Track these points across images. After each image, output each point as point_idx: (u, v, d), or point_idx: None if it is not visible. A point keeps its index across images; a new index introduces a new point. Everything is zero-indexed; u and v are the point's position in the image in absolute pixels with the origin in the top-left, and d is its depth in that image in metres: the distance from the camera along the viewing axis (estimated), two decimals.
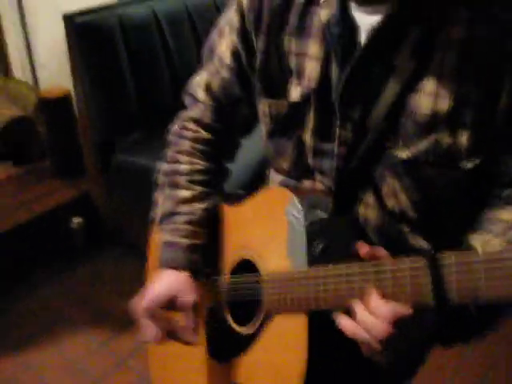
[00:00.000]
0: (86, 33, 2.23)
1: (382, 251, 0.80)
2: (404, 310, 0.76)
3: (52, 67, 2.97)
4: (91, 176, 2.58)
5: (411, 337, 0.81)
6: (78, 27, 2.20)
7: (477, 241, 0.90)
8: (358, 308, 0.80)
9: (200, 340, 1.10)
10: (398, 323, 0.76)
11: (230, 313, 1.08)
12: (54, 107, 2.58)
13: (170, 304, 1.05)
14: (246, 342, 1.01)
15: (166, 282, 1.07)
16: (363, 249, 0.80)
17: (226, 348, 1.07)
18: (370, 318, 0.78)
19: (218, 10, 2.69)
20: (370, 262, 0.80)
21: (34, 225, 2.51)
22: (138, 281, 2.52)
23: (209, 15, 2.63)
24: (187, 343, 1.06)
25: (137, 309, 1.06)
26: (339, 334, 0.83)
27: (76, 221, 2.58)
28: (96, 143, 2.43)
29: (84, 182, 2.66)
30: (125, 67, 2.34)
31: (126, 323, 2.16)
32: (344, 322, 0.82)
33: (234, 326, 1.06)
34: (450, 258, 0.71)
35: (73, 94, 2.49)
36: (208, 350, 1.12)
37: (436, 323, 0.81)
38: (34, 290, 2.43)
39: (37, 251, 2.52)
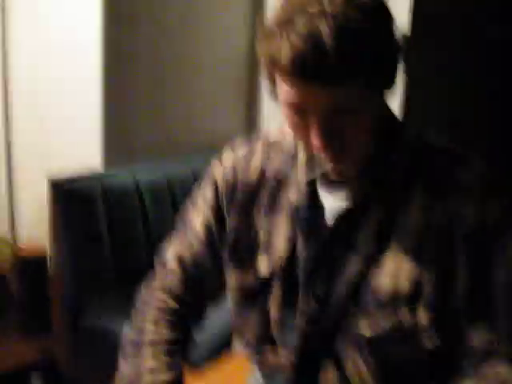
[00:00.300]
0: (69, 199, 2.33)
1: None
2: None
3: (32, 223, 3.04)
4: (57, 336, 2.56)
5: None
6: (61, 193, 2.31)
7: None
8: None
9: None
10: None
11: None
12: (29, 266, 2.62)
13: None
14: None
15: None
16: None
17: None
18: None
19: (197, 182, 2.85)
20: None
21: None
22: None
23: (188, 186, 2.79)
24: None
25: None
26: None
27: (36, 381, 2.51)
28: (66, 303, 2.44)
29: (49, 341, 2.62)
30: (104, 233, 2.42)
31: None
32: None
33: None
34: None
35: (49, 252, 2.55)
36: None
37: None
38: None
39: None
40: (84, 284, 2.42)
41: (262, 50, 0.90)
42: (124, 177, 2.54)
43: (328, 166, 0.96)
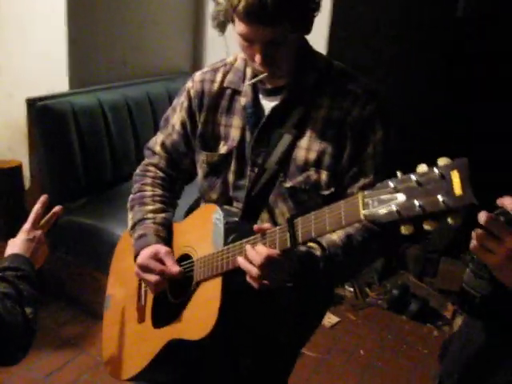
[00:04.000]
0: (44, 115, 2.71)
1: (266, 225, 1.31)
2: (273, 250, 1.25)
3: (2, 144, 3.39)
4: None
5: (284, 271, 1.29)
6: (38, 110, 2.68)
7: None
8: (248, 250, 1.29)
9: (146, 315, 1.57)
10: (271, 258, 1.24)
11: (170, 291, 1.55)
12: (6, 176, 2.98)
13: (156, 258, 1.49)
14: (179, 308, 1.48)
15: (147, 249, 1.51)
16: (255, 226, 1.31)
17: (166, 316, 1.52)
18: (253, 252, 1.27)
19: (151, 102, 3.27)
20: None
21: None
22: (76, 328, 2.88)
23: (144, 107, 3.23)
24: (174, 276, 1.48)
25: (137, 272, 1.51)
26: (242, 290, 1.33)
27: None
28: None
29: None
30: (74, 144, 2.82)
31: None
32: (239, 259, 1.30)
33: (173, 299, 1.53)
34: (297, 218, 1.22)
35: (27, 165, 2.93)
36: (152, 321, 1.57)
37: (300, 265, 1.32)
38: None
39: None
40: (58, 189, 2.83)
41: None
42: (89, 97, 2.93)
43: (264, 77, 1.44)
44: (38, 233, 1.45)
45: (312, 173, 1.47)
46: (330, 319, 3.19)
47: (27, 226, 1.45)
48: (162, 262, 1.50)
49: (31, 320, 1.22)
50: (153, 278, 1.49)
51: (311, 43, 1.53)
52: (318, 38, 3.20)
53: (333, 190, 1.48)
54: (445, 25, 4.54)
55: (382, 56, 3.95)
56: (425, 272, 3.78)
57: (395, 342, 3.12)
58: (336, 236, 1.41)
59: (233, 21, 1.38)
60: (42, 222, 1.50)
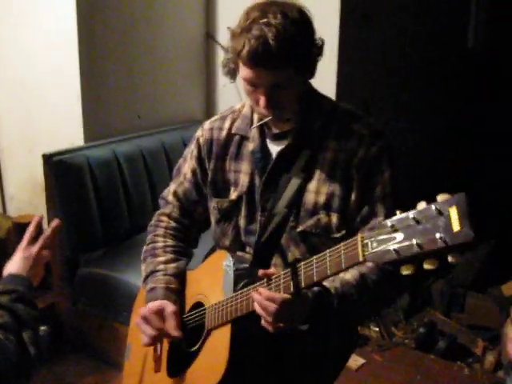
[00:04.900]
0: (60, 169, 2.75)
1: (271, 270, 1.31)
2: (281, 295, 1.25)
3: (21, 199, 3.44)
4: (57, 289, 2.99)
5: (294, 314, 1.28)
6: (54, 164, 2.73)
7: None
8: (257, 298, 1.28)
9: (162, 365, 1.55)
10: (280, 303, 1.24)
11: (184, 339, 1.54)
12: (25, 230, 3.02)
13: (159, 314, 1.49)
14: (193, 357, 1.47)
15: (153, 303, 1.52)
16: (260, 271, 1.31)
17: (180, 365, 1.51)
18: (263, 300, 1.26)
19: (167, 153, 3.31)
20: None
21: None
22: (96, 379, 2.87)
23: (159, 157, 3.26)
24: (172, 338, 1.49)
25: (137, 322, 1.51)
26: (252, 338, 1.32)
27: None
28: (64, 260, 2.87)
29: (50, 294, 3.03)
30: (91, 196, 2.86)
31: None
32: (255, 306, 1.29)
33: (186, 347, 1.53)
34: (299, 264, 1.22)
35: (46, 219, 2.96)
36: (167, 371, 1.56)
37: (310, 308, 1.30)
38: None
39: None
40: (77, 240, 2.86)
41: (230, 44, 1.39)
42: (104, 149, 2.98)
43: (269, 120, 1.46)
44: (35, 249, 1.41)
45: (322, 216, 1.46)
46: (355, 361, 3.13)
47: (23, 244, 1.42)
48: (164, 320, 1.51)
49: (29, 344, 1.20)
50: (148, 330, 1.51)
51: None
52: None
53: (344, 232, 1.47)
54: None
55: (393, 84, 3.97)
56: (451, 308, 3.70)
57: (424, 382, 3.03)
58: (350, 275, 1.40)
59: (237, 66, 1.40)
60: (40, 238, 1.45)
